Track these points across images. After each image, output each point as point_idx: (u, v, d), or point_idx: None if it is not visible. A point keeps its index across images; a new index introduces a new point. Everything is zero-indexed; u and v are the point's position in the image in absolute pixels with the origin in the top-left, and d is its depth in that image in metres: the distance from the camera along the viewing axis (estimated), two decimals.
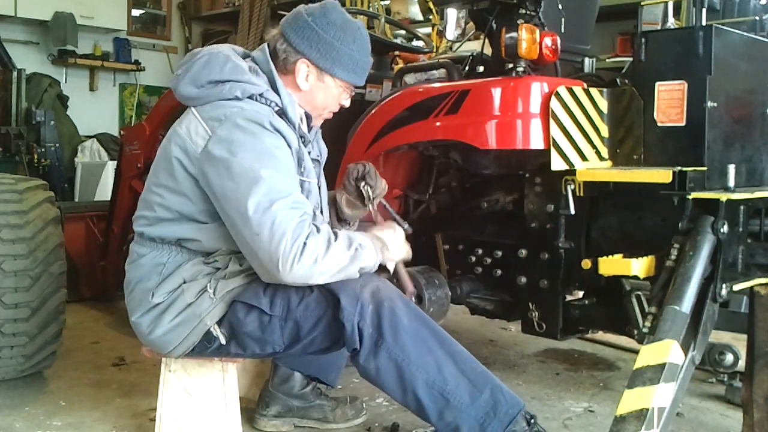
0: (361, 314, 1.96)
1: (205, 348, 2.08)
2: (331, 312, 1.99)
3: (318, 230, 1.92)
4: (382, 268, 2.12)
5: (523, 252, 2.64)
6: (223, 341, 2.04)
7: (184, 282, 2.04)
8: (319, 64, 2.12)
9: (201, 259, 2.06)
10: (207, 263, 2.05)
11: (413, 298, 2.44)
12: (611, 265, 2.17)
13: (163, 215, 2.07)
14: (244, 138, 1.94)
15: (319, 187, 2.27)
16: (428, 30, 5.89)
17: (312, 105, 2.20)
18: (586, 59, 2.82)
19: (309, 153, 2.19)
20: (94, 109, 7.95)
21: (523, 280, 2.63)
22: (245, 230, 1.89)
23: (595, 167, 2.40)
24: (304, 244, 1.87)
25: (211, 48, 2.14)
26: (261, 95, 2.05)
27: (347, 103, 2.25)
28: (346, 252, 1.94)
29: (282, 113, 2.08)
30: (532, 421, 2.04)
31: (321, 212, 2.27)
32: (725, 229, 2.04)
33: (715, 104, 2.27)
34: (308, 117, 2.22)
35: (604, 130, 2.45)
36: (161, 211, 2.07)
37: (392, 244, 2.12)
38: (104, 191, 5.94)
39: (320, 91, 2.17)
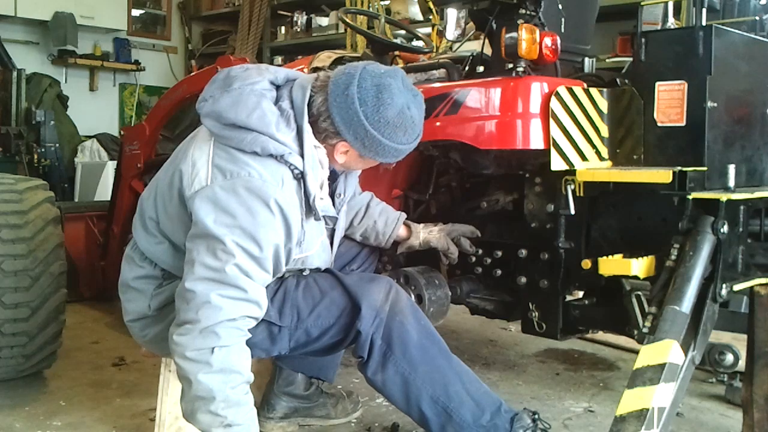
0: (377, 326, 2.00)
1: None
2: (344, 319, 2.03)
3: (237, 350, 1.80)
4: None
5: (523, 252, 2.63)
6: None
7: None
8: (360, 152, 1.97)
9: None
10: None
11: (413, 296, 2.46)
12: (611, 265, 2.18)
13: (158, 236, 2.03)
14: (238, 211, 1.81)
15: (335, 230, 2.20)
16: (428, 30, 5.89)
17: (347, 170, 2.13)
18: (586, 59, 2.81)
19: (318, 217, 2.03)
20: (94, 109, 7.95)
21: (523, 280, 2.63)
22: (185, 288, 1.81)
23: (595, 167, 2.40)
24: (211, 350, 1.76)
25: (246, 79, 1.93)
26: (282, 157, 1.88)
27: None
28: (220, 401, 1.77)
29: (301, 177, 1.92)
30: (536, 416, 2.08)
31: (330, 261, 2.23)
32: (725, 229, 2.04)
33: (715, 104, 2.27)
34: (333, 175, 2.11)
35: (604, 130, 2.45)
36: (156, 230, 2.03)
37: None
38: (104, 191, 5.94)
39: (357, 164, 2.07)
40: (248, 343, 1.97)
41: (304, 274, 2.15)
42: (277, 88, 1.98)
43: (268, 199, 1.83)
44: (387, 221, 2.40)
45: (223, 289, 1.78)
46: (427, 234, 2.47)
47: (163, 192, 1.99)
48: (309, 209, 1.97)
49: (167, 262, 2.03)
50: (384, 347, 2.01)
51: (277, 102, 1.94)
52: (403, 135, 1.95)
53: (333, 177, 2.12)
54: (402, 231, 2.46)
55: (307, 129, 1.92)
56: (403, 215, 2.48)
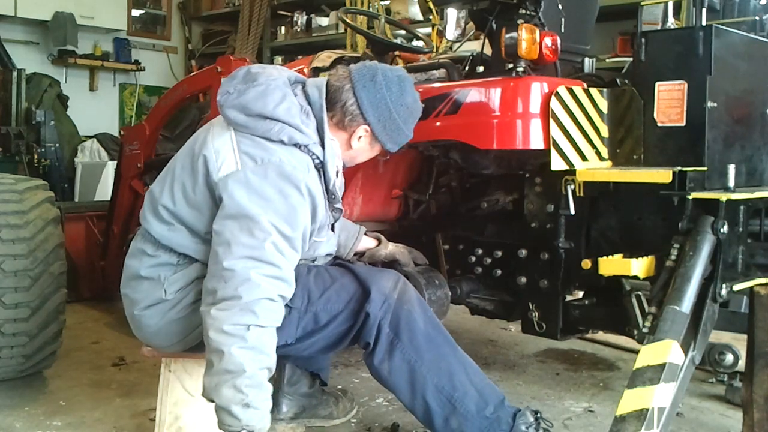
0: (385, 312, 2.05)
1: None
2: (353, 305, 2.07)
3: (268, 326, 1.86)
4: None
5: (523, 252, 2.64)
6: None
7: (197, 278, 2.04)
8: (378, 135, 2.13)
9: None
10: None
11: None
12: (611, 265, 2.18)
13: (176, 220, 2.05)
14: (271, 194, 1.91)
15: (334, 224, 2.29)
16: (428, 30, 5.89)
17: (352, 161, 2.23)
18: (586, 59, 2.81)
19: (335, 204, 2.18)
20: (94, 109, 7.94)
21: (523, 280, 2.63)
22: (220, 261, 1.86)
23: (595, 167, 2.40)
24: (248, 327, 1.82)
25: (269, 76, 2.05)
26: (306, 146, 2.01)
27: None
28: (249, 370, 1.82)
29: (321, 166, 2.06)
30: (539, 415, 2.09)
31: (333, 246, 2.32)
32: (725, 229, 2.04)
33: (715, 104, 2.27)
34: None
35: (604, 130, 2.45)
36: (173, 215, 2.05)
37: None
38: (104, 191, 5.94)
39: (365, 153, 2.21)
40: None
41: (312, 261, 2.20)
42: None
43: (299, 183, 1.94)
44: (348, 235, 2.48)
45: (261, 267, 1.86)
46: (394, 247, 2.54)
47: (183, 180, 2.04)
48: (329, 196, 2.11)
49: (185, 245, 2.06)
50: (391, 335, 2.05)
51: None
52: (412, 123, 2.18)
53: (334, 201, 2.19)
54: (370, 242, 2.53)
55: (326, 121, 2.06)
56: (363, 228, 2.54)
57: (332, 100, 2.09)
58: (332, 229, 2.28)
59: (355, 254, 2.49)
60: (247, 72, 2.07)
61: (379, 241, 2.53)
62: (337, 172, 2.14)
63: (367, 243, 2.51)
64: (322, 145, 2.04)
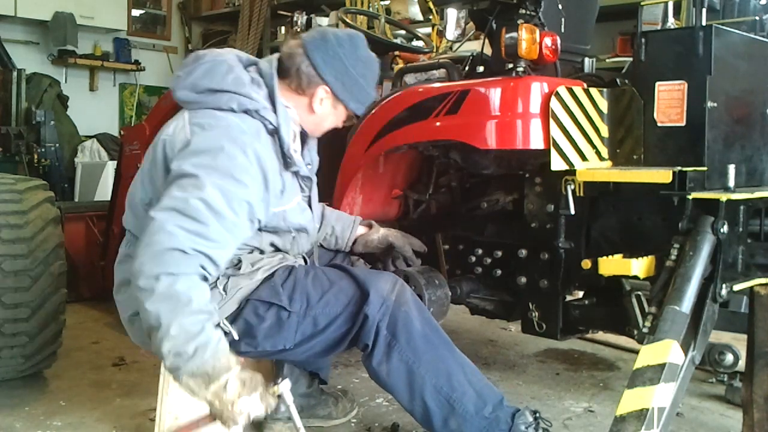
0: (384, 313, 2.04)
1: None
2: (352, 308, 2.06)
3: (204, 279, 1.85)
4: None
5: (523, 252, 2.64)
6: (235, 336, 2.06)
7: None
8: (338, 94, 2.14)
9: None
10: None
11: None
12: (611, 265, 2.18)
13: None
14: (214, 154, 1.91)
15: (311, 197, 2.30)
16: (428, 30, 5.89)
17: (318, 127, 2.23)
18: (586, 59, 2.81)
19: (297, 172, 2.17)
20: (94, 109, 7.95)
21: (523, 280, 2.63)
22: (149, 230, 1.83)
23: (595, 167, 2.40)
24: (157, 277, 1.78)
25: (216, 54, 2.12)
26: (257, 111, 2.03)
27: (340, 126, 2.30)
28: (190, 329, 1.78)
29: (275, 132, 2.07)
30: (537, 414, 2.08)
31: (313, 223, 2.32)
32: (725, 229, 2.04)
33: (715, 104, 2.27)
34: (303, 136, 2.23)
35: (604, 130, 2.45)
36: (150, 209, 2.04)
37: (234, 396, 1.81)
38: (104, 191, 5.94)
39: (330, 116, 2.21)
40: (255, 332, 2.03)
41: (292, 236, 2.18)
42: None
43: (246, 147, 1.94)
44: (344, 225, 2.49)
45: (181, 219, 1.82)
46: (387, 231, 2.54)
47: (151, 172, 2.07)
48: (285, 161, 2.09)
49: None
50: (389, 337, 2.04)
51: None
52: (371, 79, 2.19)
53: (290, 165, 2.18)
54: (362, 229, 2.54)
55: (278, 89, 2.09)
56: (359, 218, 2.55)
57: (286, 68, 2.12)
58: (309, 204, 2.27)
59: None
60: (195, 55, 2.13)
61: (370, 226, 2.54)
62: (295, 137, 2.15)
63: (360, 231, 2.53)
64: (275, 111, 2.06)
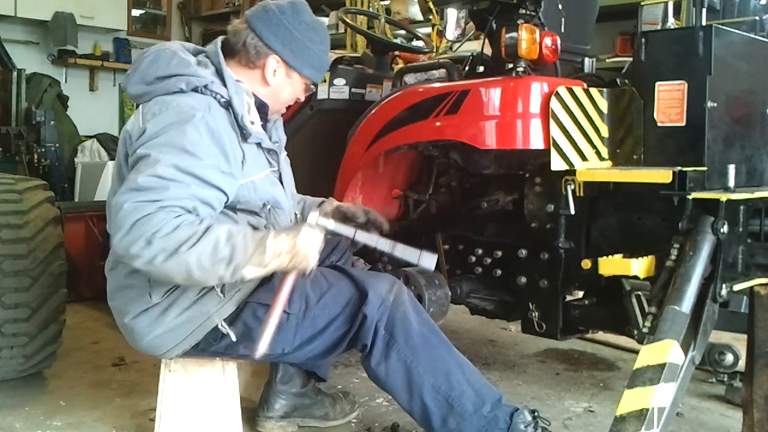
0: (382, 314, 2.03)
1: (209, 345, 2.09)
2: (350, 308, 2.06)
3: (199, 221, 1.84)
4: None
5: (523, 252, 2.64)
6: (233, 338, 2.06)
7: None
8: (289, 61, 2.14)
9: None
10: None
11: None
12: (611, 265, 2.17)
13: None
14: (166, 134, 1.90)
15: (281, 173, 2.26)
16: (428, 30, 5.89)
17: (276, 99, 2.21)
18: (586, 59, 2.81)
19: (260, 144, 2.13)
20: (94, 109, 7.95)
21: (523, 280, 2.63)
22: (116, 216, 1.83)
23: (595, 167, 2.40)
24: (147, 238, 1.78)
25: (159, 45, 2.14)
26: (206, 87, 2.02)
27: (302, 98, 2.29)
28: (214, 253, 1.81)
29: (228, 105, 2.05)
30: (536, 413, 2.09)
31: (286, 199, 2.26)
32: (725, 229, 2.04)
33: (715, 104, 2.27)
34: (262, 109, 2.19)
35: (604, 130, 2.45)
36: None
37: (290, 251, 1.88)
38: (104, 191, 5.92)
39: (286, 87, 2.19)
40: (254, 335, 2.00)
41: (266, 208, 2.13)
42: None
43: (197, 122, 1.91)
44: (312, 202, 2.46)
45: (140, 195, 1.81)
46: (339, 203, 2.45)
47: (120, 173, 2.05)
48: (242, 133, 2.05)
49: None
50: (387, 337, 2.04)
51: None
52: (321, 42, 2.17)
53: (264, 126, 2.19)
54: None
55: (225, 65, 2.08)
56: (323, 199, 2.48)
57: (233, 45, 2.13)
58: (281, 180, 2.24)
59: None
60: (140, 53, 2.15)
61: (323, 202, 2.48)
62: (249, 109, 2.11)
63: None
64: (224, 84, 2.05)
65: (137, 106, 2.09)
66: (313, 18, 2.18)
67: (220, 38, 2.17)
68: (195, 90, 2.01)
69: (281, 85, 2.18)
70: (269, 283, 2.06)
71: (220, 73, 2.07)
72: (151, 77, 2.04)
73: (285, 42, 2.11)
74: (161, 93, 2.01)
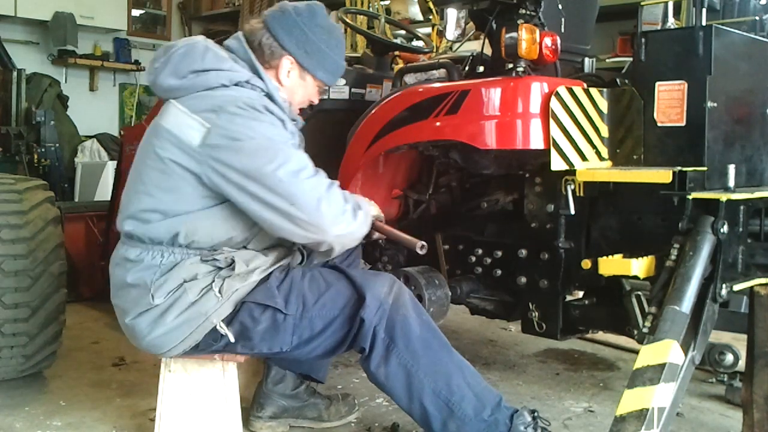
0: (381, 317, 2.03)
1: (209, 346, 2.09)
2: (348, 310, 2.05)
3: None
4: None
5: (523, 252, 2.64)
6: (231, 339, 2.06)
7: (185, 281, 2.03)
8: (303, 63, 2.17)
9: (198, 257, 2.05)
10: (205, 261, 2.05)
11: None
12: (611, 265, 2.17)
13: (156, 216, 2.04)
14: (246, 122, 1.96)
15: None
16: (428, 30, 5.89)
17: (290, 100, 2.22)
18: (586, 59, 2.81)
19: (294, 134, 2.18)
20: (94, 109, 7.95)
21: (523, 280, 2.63)
22: (278, 201, 1.93)
23: (595, 167, 2.40)
24: (343, 207, 2.00)
25: (187, 39, 2.15)
26: (248, 81, 2.07)
27: (316, 101, 2.32)
28: (359, 213, 2.05)
29: (269, 97, 2.10)
30: (536, 414, 2.08)
31: None
32: (725, 229, 2.04)
33: (715, 104, 2.27)
34: None
35: (604, 130, 2.45)
36: (152, 211, 2.05)
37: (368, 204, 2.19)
38: (104, 191, 5.94)
39: (300, 89, 2.22)
40: (250, 334, 2.04)
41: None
42: None
43: (258, 106, 2.00)
44: None
45: (303, 172, 1.96)
46: None
47: (148, 171, 2.05)
48: (284, 125, 2.10)
49: (172, 230, 2.04)
50: (387, 340, 2.03)
51: None
52: (336, 45, 2.22)
53: (296, 124, 2.24)
54: None
55: (255, 60, 2.13)
56: None
57: (250, 45, 2.16)
58: None
59: None
60: (165, 47, 2.15)
61: None
62: (286, 101, 2.18)
63: None
64: (261, 78, 2.11)
65: (162, 101, 2.11)
66: (329, 22, 2.21)
67: (240, 34, 2.19)
68: (237, 85, 2.05)
69: (294, 86, 2.20)
70: (266, 282, 2.07)
71: (252, 67, 2.12)
72: (184, 71, 2.05)
73: (300, 43, 2.14)
74: (200, 88, 2.03)
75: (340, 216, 1.98)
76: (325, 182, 2.00)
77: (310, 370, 2.56)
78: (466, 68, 2.77)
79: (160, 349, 2.10)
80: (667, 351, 1.86)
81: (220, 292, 2.02)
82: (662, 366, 1.84)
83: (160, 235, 2.05)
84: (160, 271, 2.04)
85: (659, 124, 2.33)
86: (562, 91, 2.34)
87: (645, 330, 2.02)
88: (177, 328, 2.04)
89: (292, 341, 2.07)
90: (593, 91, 2.43)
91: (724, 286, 2.06)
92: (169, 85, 2.06)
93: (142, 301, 2.05)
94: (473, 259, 2.80)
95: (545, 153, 2.34)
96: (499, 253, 2.73)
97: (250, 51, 2.13)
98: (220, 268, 2.04)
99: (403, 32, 5.00)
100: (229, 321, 2.05)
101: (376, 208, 2.25)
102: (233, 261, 2.04)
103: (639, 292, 2.34)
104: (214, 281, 2.02)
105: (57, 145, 6.67)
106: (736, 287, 2.12)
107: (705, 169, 2.23)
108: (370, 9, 6.51)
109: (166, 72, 2.07)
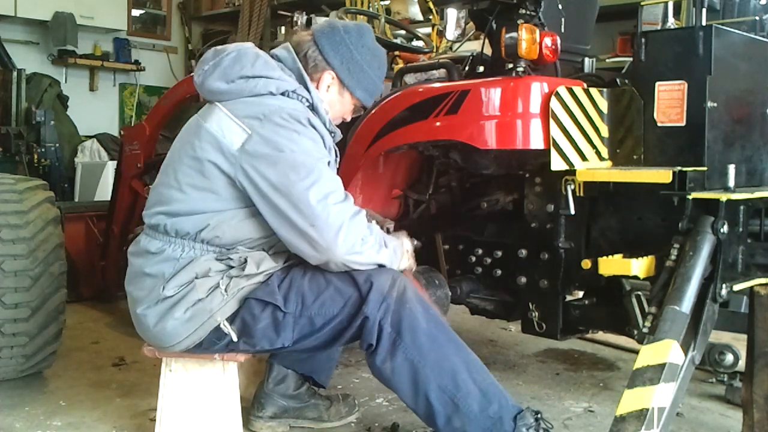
0: (385, 312, 2.03)
1: (213, 344, 2.11)
2: (349, 309, 2.05)
3: (369, 225, 2.06)
4: None
5: (523, 252, 2.64)
6: (234, 338, 2.07)
7: (197, 277, 2.05)
8: (344, 80, 2.21)
9: (213, 255, 2.08)
10: (220, 260, 2.08)
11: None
12: (611, 265, 2.17)
13: (184, 210, 2.08)
14: (288, 135, 1.99)
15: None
16: (428, 30, 5.89)
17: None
18: (586, 59, 2.81)
19: (331, 148, 2.22)
20: (94, 109, 7.94)
21: (523, 280, 2.63)
22: (299, 220, 1.96)
23: (595, 167, 2.40)
24: (362, 239, 2.01)
25: (239, 45, 2.18)
26: (294, 92, 2.10)
27: (348, 119, 2.37)
28: (382, 250, 2.08)
29: (312, 109, 2.13)
30: (539, 416, 2.08)
31: None
32: (725, 229, 2.04)
33: (715, 104, 2.27)
34: None
35: (604, 130, 2.45)
36: (182, 206, 2.08)
37: (402, 253, 2.20)
38: (104, 191, 5.94)
39: (337, 104, 2.26)
40: (251, 331, 2.06)
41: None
42: None
43: (302, 119, 2.03)
44: None
45: (332, 196, 1.99)
46: None
47: (184, 169, 2.08)
48: (324, 139, 2.14)
49: (206, 222, 2.07)
50: (393, 335, 2.03)
51: None
52: (378, 68, 2.27)
53: (334, 137, 2.27)
54: None
55: (303, 71, 2.17)
56: None
57: (299, 57, 2.19)
58: None
59: None
60: (215, 50, 2.18)
61: None
62: (328, 113, 2.21)
63: None
64: (308, 90, 2.15)
65: (182, 106, 2.14)
66: (376, 44, 2.27)
67: (290, 45, 2.23)
68: (283, 94, 2.09)
69: (332, 101, 2.24)
70: (268, 280, 2.08)
71: (300, 78, 2.16)
72: (233, 75, 2.08)
73: (344, 60, 2.19)
74: (247, 94, 2.07)
75: (358, 245, 2.00)
76: (351, 210, 2.01)
77: (313, 372, 2.56)
78: (466, 68, 2.78)
79: (166, 342, 2.11)
80: (667, 351, 1.86)
81: (225, 290, 2.04)
82: (662, 366, 1.84)
83: (186, 228, 2.08)
84: (178, 265, 2.07)
85: (659, 124, 2.33)
86: (562, 91, 2.34)
87: (645, 330, 2.03)
88: (183, 323, 2.06)
89: (293, 337, 2.09)
90: (593, 91, 2.43)
91: (724, 286, 2.06)
92: (218, 88, 2.09)
93: (153, 292, 2.08)
94: (473, 259, 2.80)
95: (545, 153, 2.33)
96: (499, 253, 2.73)
97: (298, 61, 2.18)
98: (231, 267, 2.06)
99: (403, 32, 5.00)
100: (232, 319, 2.07)
101: (405, 261, 2.23)
102: (246, 261, 2.07)
103: (639, 292, 2.34)
104: (221, 280, 2.05)
105: (57, 145, 6.67)
106: (736, 287, 2.12)
107: (705, 169, 2.23)
108: (370, 9, 6.51)
109: (215, 75, 2.10)
